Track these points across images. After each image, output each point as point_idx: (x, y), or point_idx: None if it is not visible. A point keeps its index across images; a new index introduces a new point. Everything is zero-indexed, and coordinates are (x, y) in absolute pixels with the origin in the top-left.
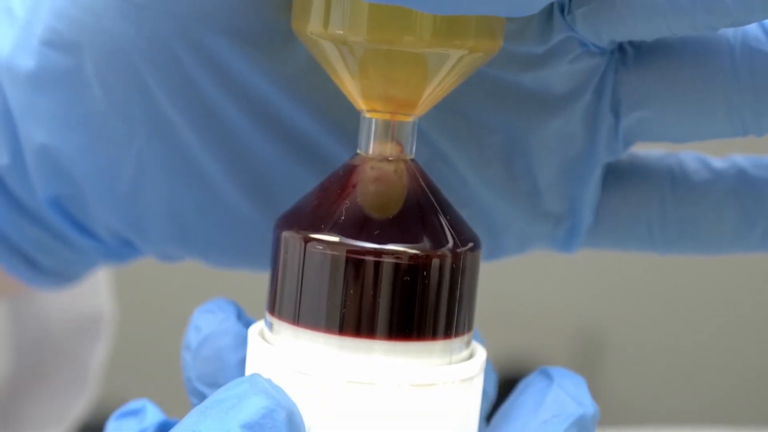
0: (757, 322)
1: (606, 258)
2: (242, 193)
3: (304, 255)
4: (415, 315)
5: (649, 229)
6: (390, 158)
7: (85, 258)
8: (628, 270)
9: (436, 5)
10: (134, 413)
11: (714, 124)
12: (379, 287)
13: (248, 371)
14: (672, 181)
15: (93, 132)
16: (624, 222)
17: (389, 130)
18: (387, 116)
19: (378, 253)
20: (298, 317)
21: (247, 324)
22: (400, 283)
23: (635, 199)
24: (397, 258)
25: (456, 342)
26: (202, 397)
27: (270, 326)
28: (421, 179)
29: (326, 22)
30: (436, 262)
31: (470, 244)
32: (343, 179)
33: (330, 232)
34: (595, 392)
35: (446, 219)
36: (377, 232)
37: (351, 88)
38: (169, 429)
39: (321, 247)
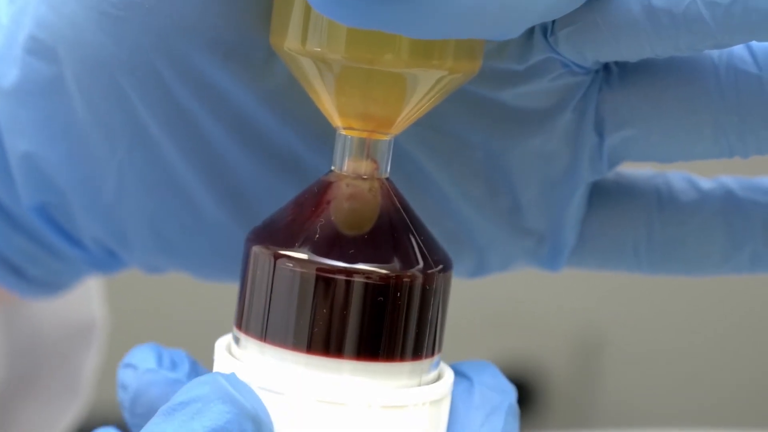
0: (756, 323)
1: None
2: (223, 208)
3: (274, 271)
4: (385, 335)
5: (635, 249)
6: (364, 176)
7: (73, 268)
8: (627, 273)
9: (416, 30)
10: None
11: (700, 144)
12: (348, 306)
13: None
14: (659, 201)
15: (75, 142)
16: (609, 242)
17: (364, 148)
18: (363, 134)
19: (348, 272)
20: (265, 333)
21: (173, 362)
22: (369, 303)
23: (621, 220)
24: (367, 278)
25: (425, 363)
26: None
27: (237, 341)
28: (395, 198)
29: (304, 39)
30: (406, 282)
31: (441, 266)
32: (316, 196)
33: (300, 249)
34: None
35: (419, 239)
36: (348, 250)
37: (327, 104)
38: None
39: (291, 264)
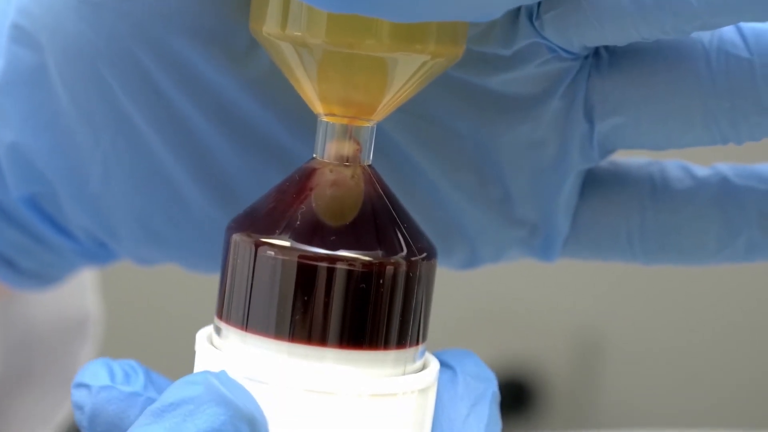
0: (756, 323)
1: None
2: (208, 197)
3: (255, 259)
4: (368, 323)
5: (628, 238)
6: (347, 163)
7: (64, 260)
8: (626, 271)
9: (395, 13)
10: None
11: (691, 131)
12: (331, 294)
13: None
14: (652, 189)
15: (60, 132)
16: (603, 232)
17: (347, 134)
18: (345, 120)
19: (330, 259)
20: (247, 323)
21: (126, 374)
22: (352, 291)
23: (614, 208)
24: (350, 265)
25: (410, 352)
26: None
27: (218, 331)
28: (378, 185)
29: (284, 24)
30: (390, 269)
31: (425, 253)
32: (298, 183)
33: (282, 236)
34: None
35: (402, 227)
36: (331, 238)
37: (308, 91)
38: None
39: (272, 252)
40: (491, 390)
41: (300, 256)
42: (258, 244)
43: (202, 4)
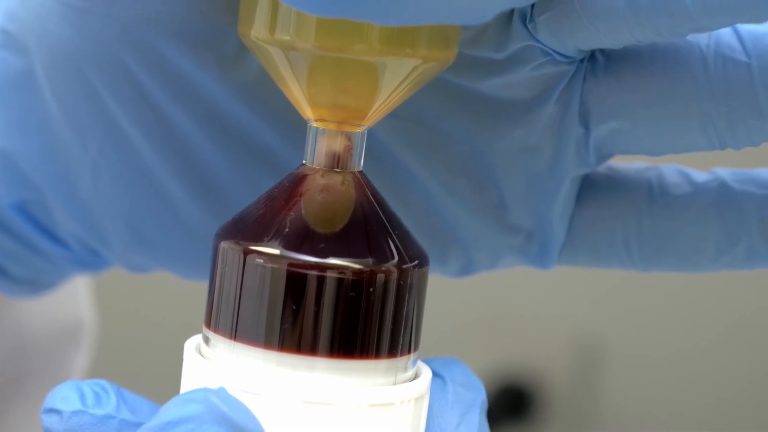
0: (756, 327)
1: None
2: (198, 203)
3: (244, 267)
4: (359, 332)
5: (625, 245)
6: (337, 169)
7: (56, 267)
8: (626, 278)
9: (383, 17)
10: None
11: (688, 135)
12: (321, 303)
13: (184, 387)
14: (649, 194)
15: (49, 138)
16: (600, 238)
17: (337, 137)
18: (335, 126)
19: (321, 267)
20: (235, 332)
21: (97, 396)
22: (342, 299)
23: (611, 215)
24: (340, 273)
25: (401, 361)
26: None
27: (206, 341)
28: (368, 192)
29: (273, 28)
30: (380, 278)
31: (417, 261)
32: (287, 190)
33: (271, 244)
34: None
35: (393, 234)
36: (320, 245)
37: (298, 96)
38: None
39: (261, 260)
40: (480, 399)
41: (289, 264)
42: (246, 252)
43: (190, 9)
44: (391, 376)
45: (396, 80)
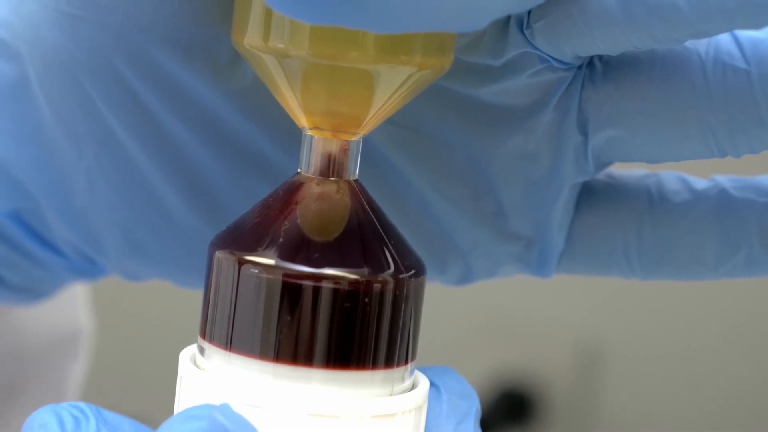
0: (756, 331)
1: None
2: (193, 210)
3: (238, 277)
4: (355, 343)
5: (625, 253)
6: (332, 177)
7: (53, 275)
8: (626, 282)
9: (377, 24)
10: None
11: (687, 143)
12: (317, 313)
13: (179, 398)
14: (649, 202)
15: (43, 146)
16: (599, 246)
17: (332, 149)
18: (330, 134)
19: (316, 277)
20: (231, 343)
21: (76, 420)
22: (338, 310)
23: (610, 222)
24: (335, 283)
25: (398, 371)
26: None
27: (202, 351)
28: (364, 201)
29: (266, 35)
30: (377, 288)
31: (413, 271)
32: (282, 198)
33: (266, 254)
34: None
35: (389, 243)
36: (316, 255)
37: (292, 104)
38: None
39: (256, 270)
40: (474, 407)
41: (284, 275)
42: (241, 262)
43: (183, 16)
44: (387, 387)
45: (391, 88)
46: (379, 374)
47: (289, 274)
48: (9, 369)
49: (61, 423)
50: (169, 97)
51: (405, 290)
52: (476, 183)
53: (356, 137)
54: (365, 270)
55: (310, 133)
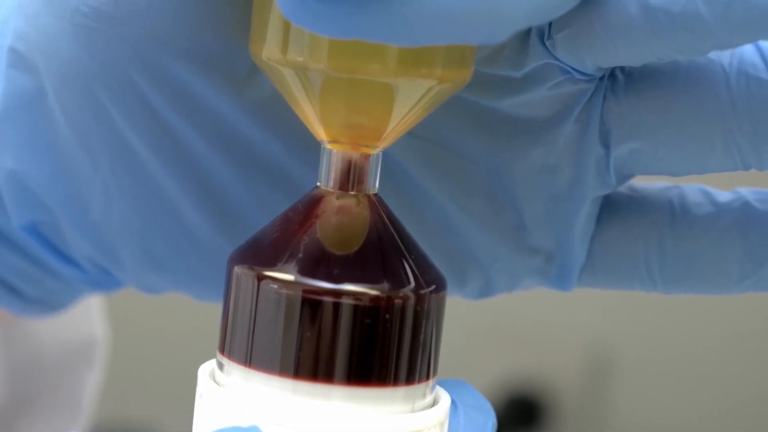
0: (767, 336)
1: None
2: (211, 223)
3: (258, 293)
4: (376, 360)
5: (647, 267)
6: (352, 191)
7: (70, 287)
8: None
9: (397, 38)
10: None
11: (711, 156)
12: (337, 330)
13: (198, 414)
14: (671, 215)
15: (59, 159)
16: (621, 260)
17: (351, 163)
18: (349, 148)
19: (336, 293)
20: (250, 359)
21: None
22: (359, 326)
23: (632, 236)
24: (356, 299)
25: (419, 388)
26: None
27: (221, 366)
28: (384, 215)
29: (285, 48)
30: (397, 304)
31: (434, 286)
32: (301, 213)
33: (285, 269)
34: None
35: (410, 258)
36: (336, 270)
37: (311, 117)
38: None
39: (275, 286)
40: (491, 421)
41: (304, 291)
42: (261, 278)
43: (200, 28)
44: (409, 403)
45: (411, 101)
46: (400, 391)
47: (309, 290)
48: (24, 380)
49: None
50: (185, 110)
51: (426, 305)
52: (497, 196)
53: (376, 150)
54: (386, 285)
55: (329, 146)
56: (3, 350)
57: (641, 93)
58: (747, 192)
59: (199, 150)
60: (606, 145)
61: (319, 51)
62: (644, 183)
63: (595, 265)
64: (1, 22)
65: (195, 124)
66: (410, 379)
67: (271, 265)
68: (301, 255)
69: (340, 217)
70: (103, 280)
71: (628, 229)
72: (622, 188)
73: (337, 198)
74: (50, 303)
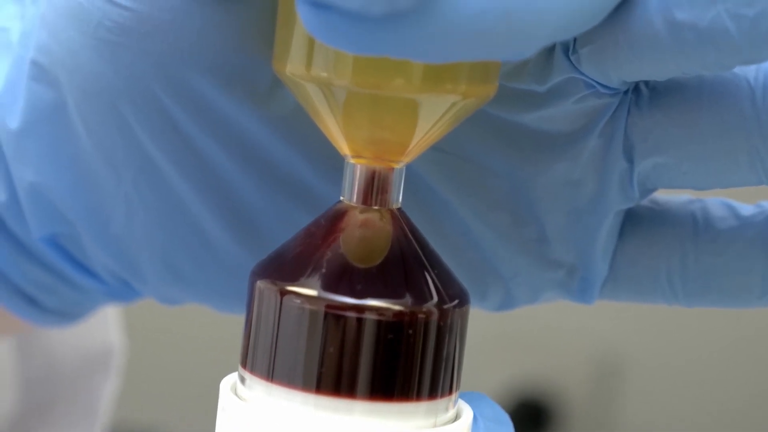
0: None
1: None
2: (233, 237)
3: (280, 308)
4: (398, 375)
5: (669, 281)
6: (375, 206)
7: (89, 298)
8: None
9: (422, 54)
10: None
11: (736, 171)
12: (360, 345)
13: (219, 427)
14: (694, 229)
15: (81, 172)
16: (643, 273)
17: (375, 178)
18: (372, 162)
19: (359, 308)
20: (272, 373)
21: None
22: (382, 341)
23: (654, 249)
24: (379, 315)
25: (442, 402)
26: None
27: (243, 380)
28: (407, 229)
29: (309, 64)
30: (421, 319)
31: (457, 300)
32: (324, 228)
33: (308, 284)
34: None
35: (433, 272)
36: (359, 285)
37: (335, 132)
38: None
39: (298, 301)
40: None
41: (327, 306)
42: (283, 293)
43: (224, 42)
44: (431, 418)
45: (435, 116)
46: (423, 405)
47: (331, 305)
48: (41, 388)
49: None
50: (208, 124)
51: (449, 320)
52: (519, 210)
53: (399, 165)
54: (409, 300)
55: (352, 161)
56: (20, 359)
57: (666, 107)
58: None
59: (222, 164)
60: (630, 159)
61: (343, 67)
62: (667, 196)
63: (617, 278)
64: (24, 35)
65: (217, 138)
66: (433, 394)
67: (294, 280)
68: (324, 270)
69: (363, 231)
70: (123, 292)
71: (651, 243)
72: (645, 201)
73: (361, 212)
74: (68, 313)
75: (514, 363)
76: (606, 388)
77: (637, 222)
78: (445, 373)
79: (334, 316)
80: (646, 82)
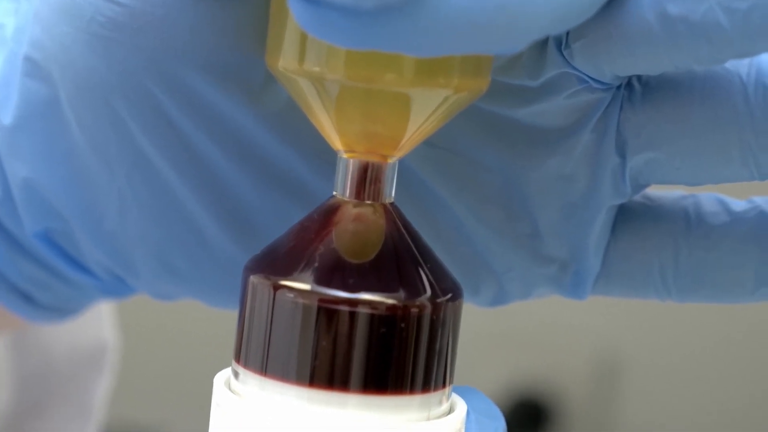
0: None
1: None
2: (227, 233)
3: (274, 302)
4: (392, 368)
5: (662, 276)
6: (368, 201)
7: (82, 294)
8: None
9: (414, 48)
10: None
11: (728, 166)
12: (353, 339)
13: (215, 423)
14: (686, 224)
15: (74, 168)
16: (636, 268)
17: (368, 172)
18: (365, 157)
19: (352, 302)
20: (266, 367)
21: None
22: (375, 335)
23: (647, 245)
24: (372, 308)
25: (435, 396)
26: None
27: (236, 375)
28: (400, 224)
29: (301, 58)
30: (414, 312)
31: (450, 294)
32: (317, 222)
33: (301, 278)
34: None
35: (426, 266)
36: (352, 279)
37: (327, 127)
38: None
39: (291, 295)
40: (501, 427)
41: (320, 300)
42: (276, 287)
43: (217, 38)
44: (425, 411)
45: (428, 110)
46: (416, 399)
47: (324, 299)
48: (35, 385)
49: None
50: (202, 120)
51: (442, 314)
52: (512, 205)
53: (392, 159)
54: (402, 294)
55: (345, 155)
56: (14, 356)
57: (658, 103)
58: (762, 201)
59: (215, 160)
60: (622, 154)
61: (335, 61)
62: (659, 192)
63: (609, 273)
64: (18, 30)
65: (211, 134)
66: (426, 387)
67: (287, 274)
68: (317, 264)
69: (356, 226)
70: (117, 288)
71: (643, 238)
72: (637, 197)
73: (354, 207)
74: (62, 309)
75: (514, 362)
76: (605, 387)
77: (630, 217)
78: (438, 366)
79: (327, 310)
80: (639, 78)
